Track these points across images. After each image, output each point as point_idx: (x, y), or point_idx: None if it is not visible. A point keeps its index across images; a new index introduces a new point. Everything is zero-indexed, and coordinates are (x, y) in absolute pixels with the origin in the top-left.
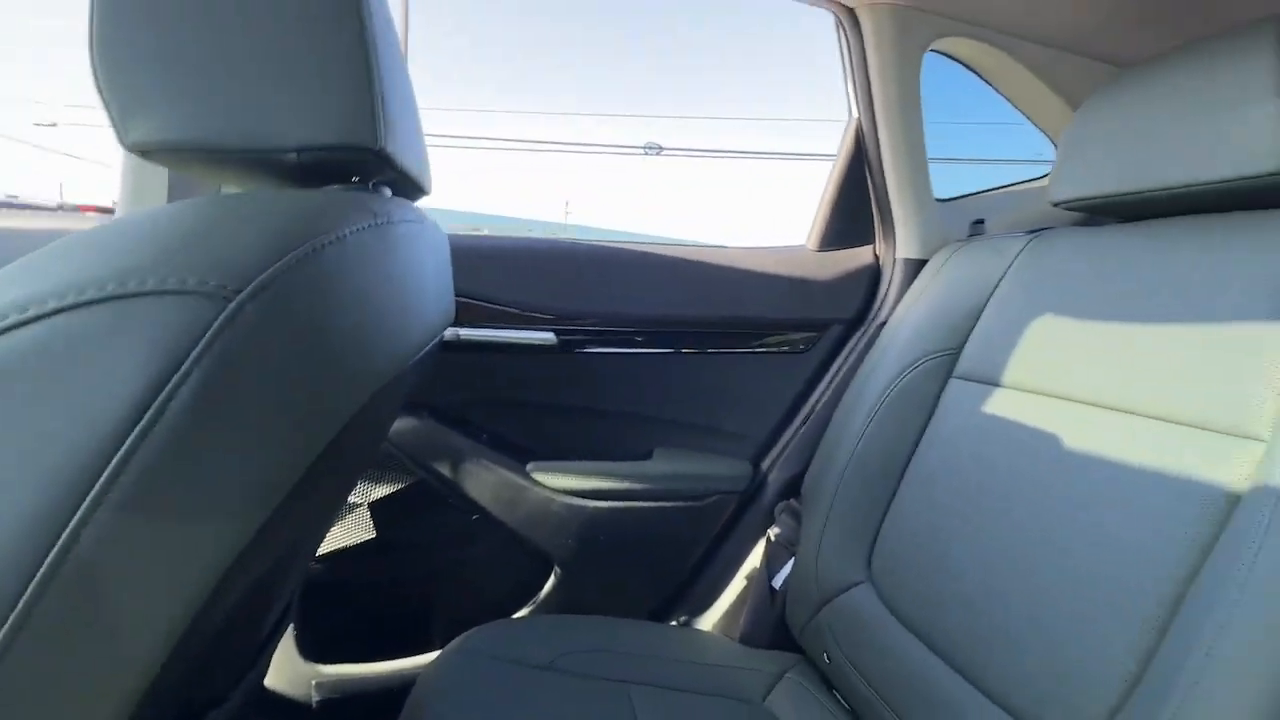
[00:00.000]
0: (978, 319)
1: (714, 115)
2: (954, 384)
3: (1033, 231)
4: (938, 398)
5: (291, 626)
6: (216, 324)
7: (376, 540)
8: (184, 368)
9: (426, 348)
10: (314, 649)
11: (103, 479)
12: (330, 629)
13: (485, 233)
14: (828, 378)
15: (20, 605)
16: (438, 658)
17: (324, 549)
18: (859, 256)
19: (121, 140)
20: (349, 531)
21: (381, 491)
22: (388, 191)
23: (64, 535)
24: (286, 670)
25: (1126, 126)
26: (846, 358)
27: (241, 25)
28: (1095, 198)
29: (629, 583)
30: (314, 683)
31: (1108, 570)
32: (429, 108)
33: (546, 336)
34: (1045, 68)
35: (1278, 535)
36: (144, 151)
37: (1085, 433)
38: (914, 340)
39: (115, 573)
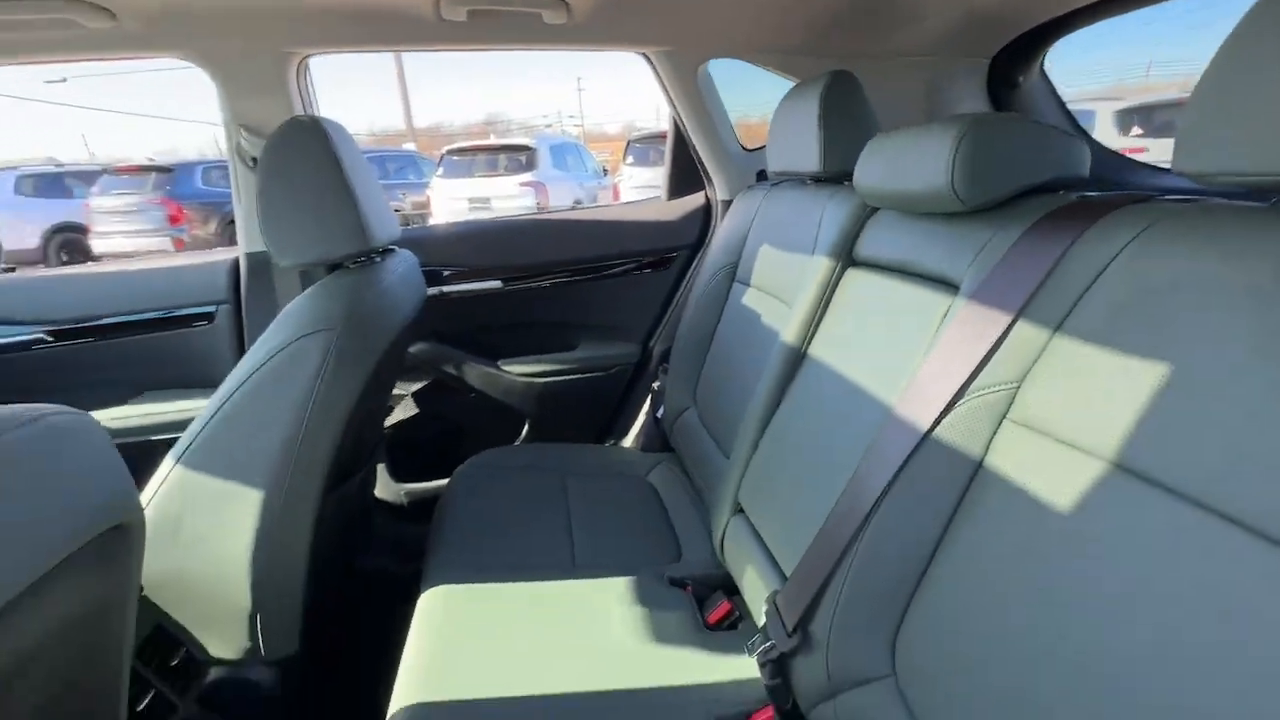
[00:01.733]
0: (745, 240)
1: None
2: (735, 286)
3: (773, 184)
4: (728, 294)
5: (383, 466)
6: (335, 348)
7: (420, 414)
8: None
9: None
10: (399, 475)
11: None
12: (406, 463)
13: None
14: (684, 283)
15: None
16: (458, 469)
17: (392, 420)
18: (696, 200)
19: (276, 260)
20: (404, 411)
21: (417, 386)
22: (376, 257)
23: None
24: (390, 489)
25: (784, 123)
26: (694, 269)
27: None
28: (782, 172)
29: (576, 425)
30: (403, 492)
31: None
32: None
33: (494, 284)
34: (782, 65)
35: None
36: (284, 267)
37: (771, 317)
38: (717, 257)
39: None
